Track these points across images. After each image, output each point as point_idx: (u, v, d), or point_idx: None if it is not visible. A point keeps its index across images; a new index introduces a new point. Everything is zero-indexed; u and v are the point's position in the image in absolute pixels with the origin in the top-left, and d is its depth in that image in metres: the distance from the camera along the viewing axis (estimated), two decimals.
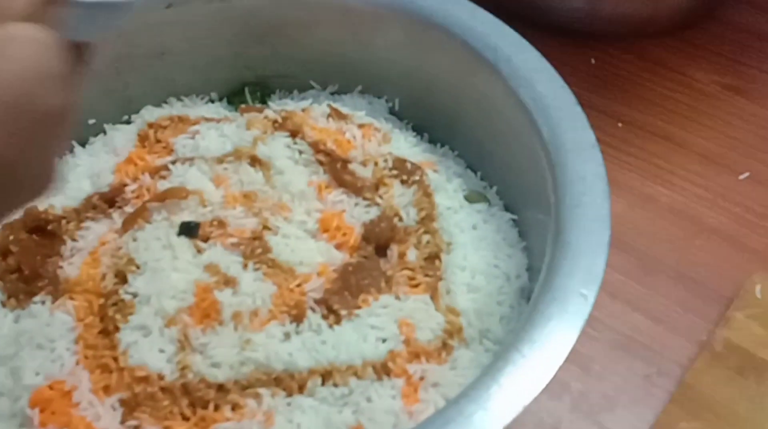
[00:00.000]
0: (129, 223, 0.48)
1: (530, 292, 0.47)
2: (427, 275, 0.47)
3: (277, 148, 0.52)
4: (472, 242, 0.50)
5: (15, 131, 0.26)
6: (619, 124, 0.67)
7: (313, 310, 0.45)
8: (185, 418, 0.41)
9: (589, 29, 0.72)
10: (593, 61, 0.71)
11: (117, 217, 0.49)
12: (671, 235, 0.60)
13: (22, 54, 0.26)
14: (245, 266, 0.46)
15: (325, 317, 0.45)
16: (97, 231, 0.49)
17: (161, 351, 0.43)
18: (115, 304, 0.44)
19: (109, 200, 0.50)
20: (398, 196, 0.51)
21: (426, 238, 0.49)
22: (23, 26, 0.26)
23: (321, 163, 0.51)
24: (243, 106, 0.57)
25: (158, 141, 0.53)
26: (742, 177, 0.64)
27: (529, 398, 0.36)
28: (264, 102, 0.59)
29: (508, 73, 0.49)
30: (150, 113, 0.56)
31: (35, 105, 0.26)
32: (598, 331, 0.54)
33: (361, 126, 0.54)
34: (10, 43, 0.26)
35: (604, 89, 0.69)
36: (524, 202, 0.51)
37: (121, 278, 0.45)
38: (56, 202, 0.50)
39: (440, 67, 0.54)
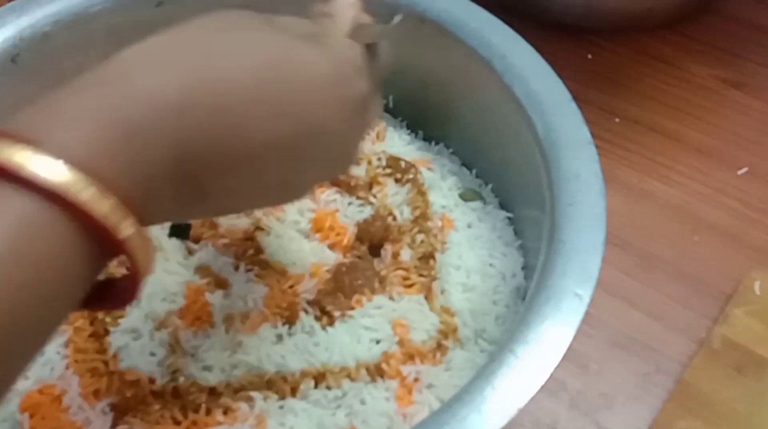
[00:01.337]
0: None
1: (526, 291, 0.46)
2: (421, 275, 0.47)
3: None
4: (467, 241, 0.49)
5: (341, 106, 0.33)
6: (616, 120, 0.66)
7: (306, 311, 0.44)
8: (176, 423, 0.41)
9: (585, 24, 0.71)
10: (590, 56, 0.71)
11: None
12: (669, 231, 0.60)
13: (347, 54, 0.35)
14: (237, 267, 0.46)
15: (318, 319, 0.44)
16: None
17: (152, 354, 0.43)
18: None
19: None
20: (392, 195, 0.50)
21: (420, 237, 0.48)
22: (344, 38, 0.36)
23: None
24: None
25: None
26: (740, 172, 0.63)
27: (524, 400, 0.36)
28: None
29: (503, 70, 0.49)
30: None
31: (352, 87, 0.34)
32: (596, 329, 0.54)
33: None
34: (341, 48, 0.35)
35: (601, 84, 0.68)
36: (519, 200, 0.50)
37: None
38: None
39: (434, 64, 0.54)
